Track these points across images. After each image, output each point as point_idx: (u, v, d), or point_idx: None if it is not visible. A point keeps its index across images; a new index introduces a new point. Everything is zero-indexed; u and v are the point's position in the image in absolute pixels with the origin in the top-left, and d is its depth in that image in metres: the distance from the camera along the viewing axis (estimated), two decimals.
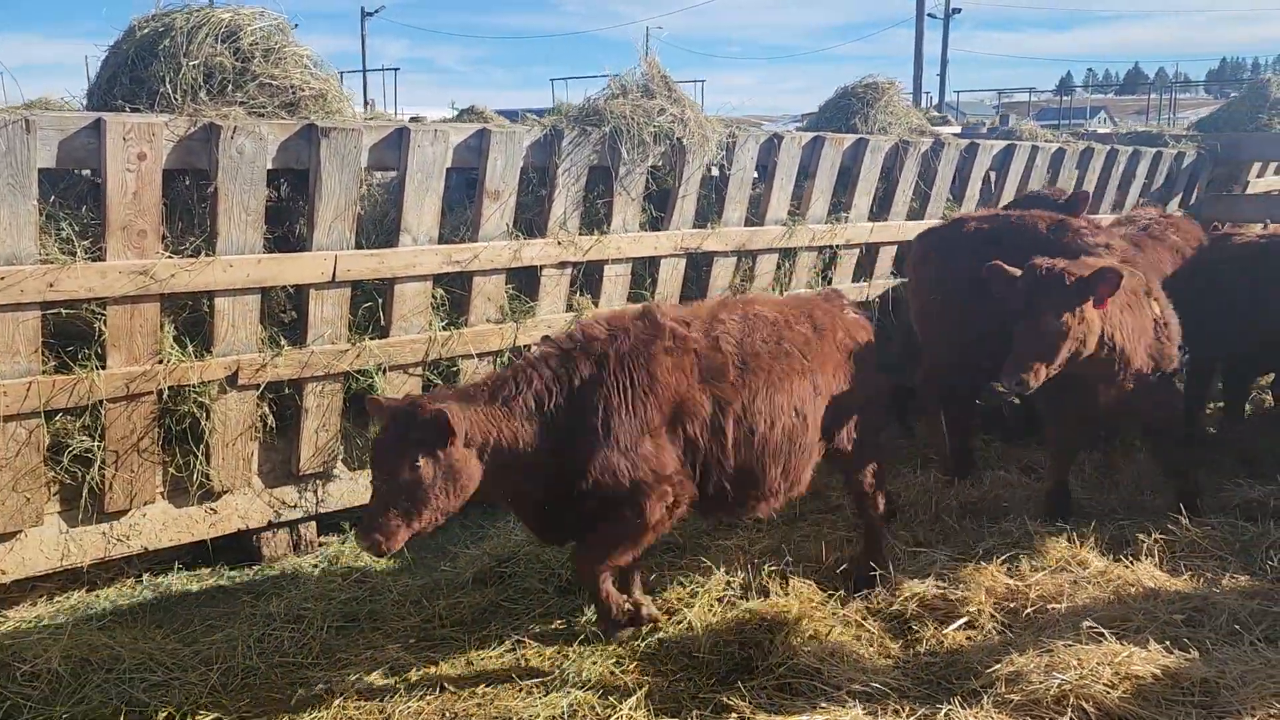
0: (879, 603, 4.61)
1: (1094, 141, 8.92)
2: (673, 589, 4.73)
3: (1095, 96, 73.02)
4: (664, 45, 74.86)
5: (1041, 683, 3.63)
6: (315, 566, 5.22)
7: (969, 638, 4.26)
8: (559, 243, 5.62)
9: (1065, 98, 56.53)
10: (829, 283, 7.13)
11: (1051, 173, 8.36)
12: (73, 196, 4.36)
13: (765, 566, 4.89)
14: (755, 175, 6.56)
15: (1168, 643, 3.92)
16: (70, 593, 4.80)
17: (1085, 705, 3.52)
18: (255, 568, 5.19)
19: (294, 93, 4.67)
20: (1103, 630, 4.01)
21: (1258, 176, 10.29)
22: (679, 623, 4.50)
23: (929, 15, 40.58)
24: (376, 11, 52.09)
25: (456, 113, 11.21)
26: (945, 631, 4.25)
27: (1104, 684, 3.58)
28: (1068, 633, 4.05)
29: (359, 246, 4.96)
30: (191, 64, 4.47)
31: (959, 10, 46.06)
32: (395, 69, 48.26)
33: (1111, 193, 8.97)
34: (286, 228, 5.10)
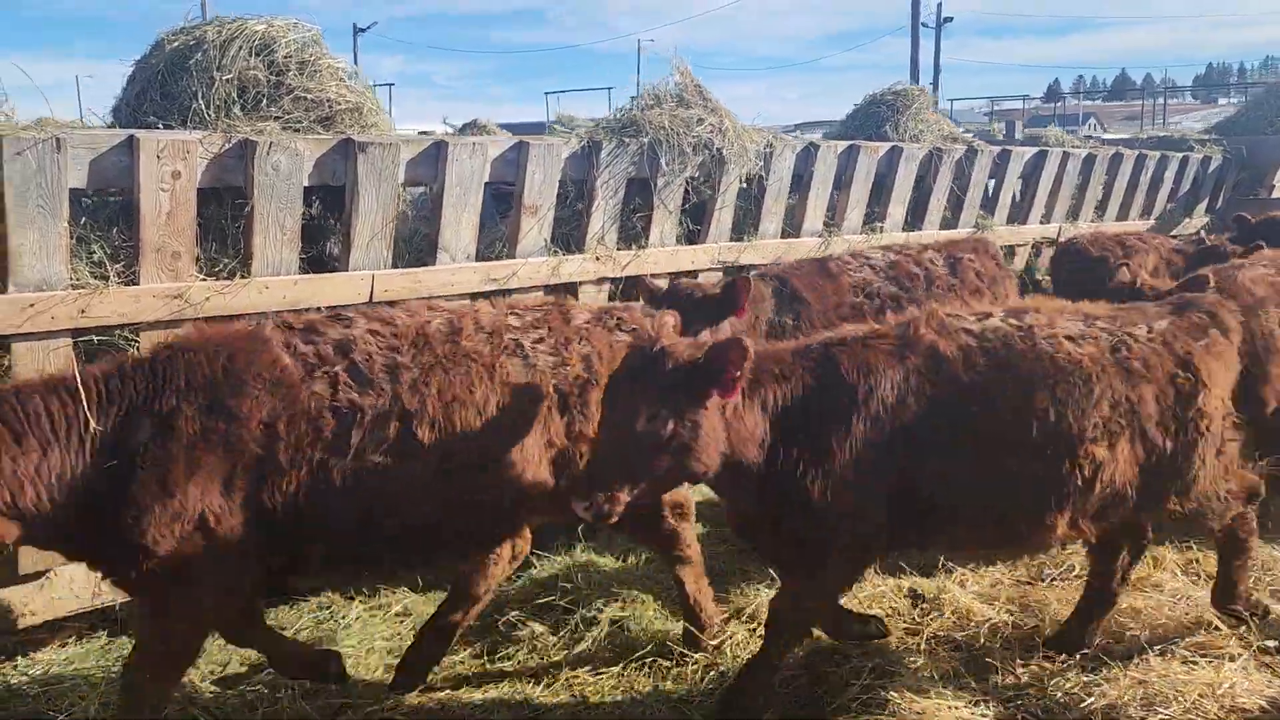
0: (946, 628, 4.42)
1: (1122, 147, 8.78)
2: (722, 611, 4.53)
3: (1086, 103, 73.22)
4: (657, 58, 74.78)
5: (1142, 718, 3.44)
6: (352, 599, 5.01)
7: (1048, 668, 4.07)
8: (597, 258, 5.43)
9: (1055, 104, 56.68)
10: None
11: (1082, 178, 8.22)
12: (103, 218, 4.15)
13: None
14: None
15: (1268, 672, 3.73)
16: (99, 632, 4.57)
17: None
18: (290, 601, 4.97)
19: (330, 106, 4.48)
20: (1194, 658, 3.83)
21: None
22: (736, 656, 4.31)
23: (921, 24, 40.75)
24: (369, 28, 52.09)
25: (454, 128, 10.98)
26: (1031, 664, 4.05)
27: (1212, 719, 3.39)
28: (1157, 660, 3.87)
29: (394, 265, 4.77)
30: (225, 78, 4.28)
31: (950, 19, 46.19)
32: (390, 84, 48.07)
33: (1140, 198, 8.84)
34: (319, 247, 4.91)
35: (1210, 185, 9.52)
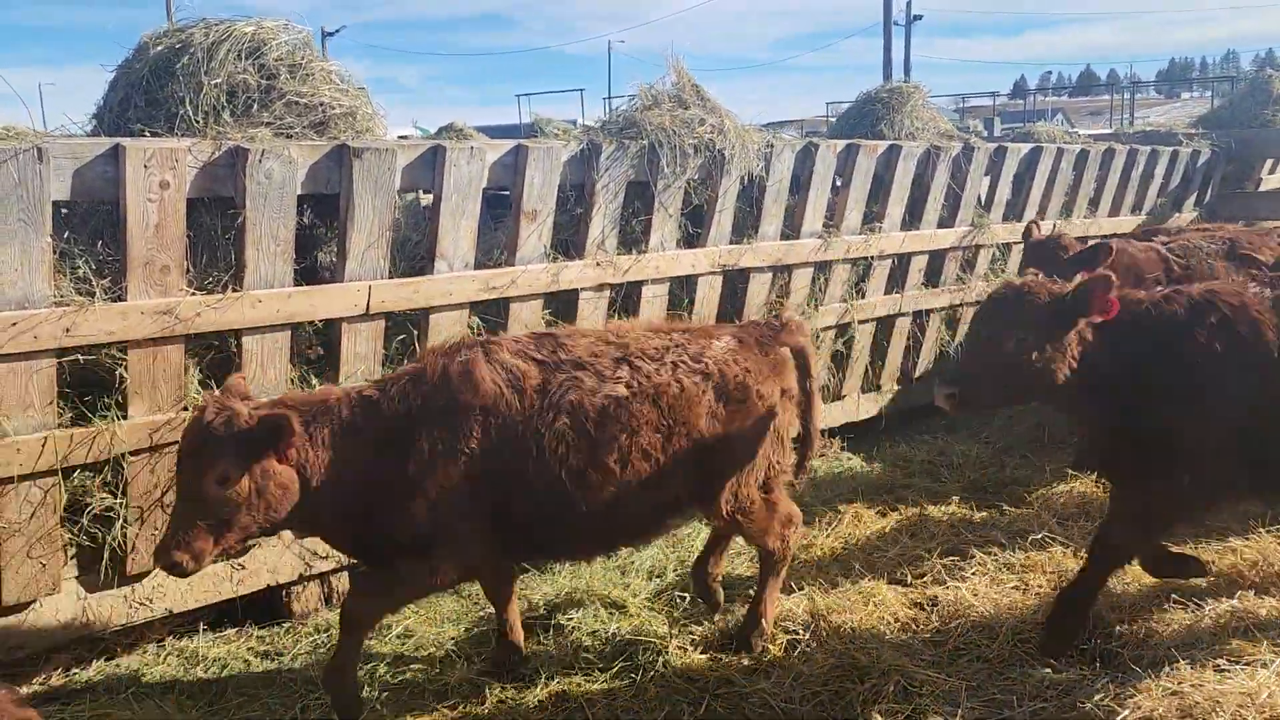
0: (968, 639, 4.32)
1: (1113, 142, 8.74)
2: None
3: (1053, 99, 73.68)
4: (627, 60, 74.82)
5: None
6: None
7: (1075, 678, 3.97)
8: (598, 264, 5.28)
9: (1020, 101, 57.00)
10: (862, 296, 6.87)
11: (1075, 174, 8.16)
12: (87, 231, 3.96)
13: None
14: None
15: None
16: (87, 663, 4.37)
17: None
18: (285, 625, 4.79)
19: (323, 111, 4.30)
20: (1227, 666, 3.74)
21: (1269, 173, 10.18)
22: (752, 670, 4.19)
23: (893, 23, 40.86)
24: (337, 32, 51.44)
25: (426, 132, 10.77)
26: (1057, 674, 3.94)
27: None
28: (1188, 669, 3.77)
29: (391, 275, 4.60)
30: (213, 83, 4.08)
31: (920, 17, 46.32)
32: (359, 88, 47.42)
33: (1131, 193, 8.79)
34: (311, 257, 4.73)
35: (1199, 179, 9.50)
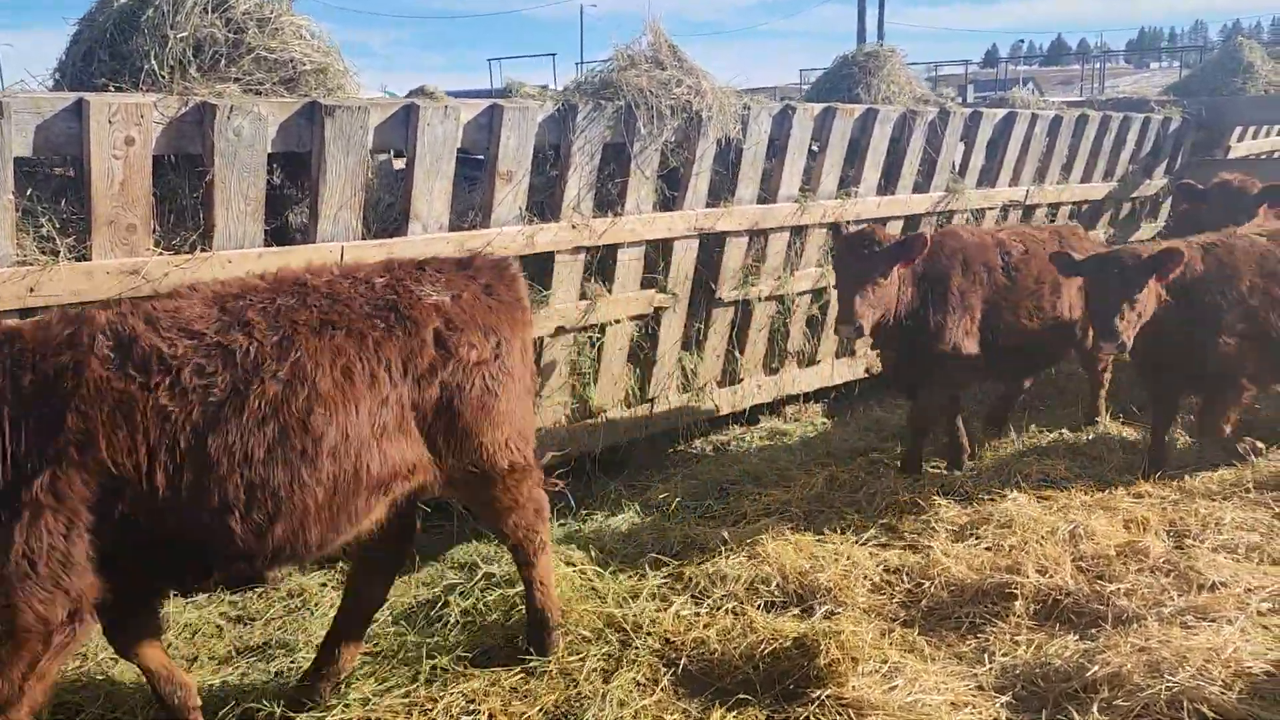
0: (934, 598, 4.38)
1: (1088, 109, 8.76)
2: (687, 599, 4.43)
3: (1023, 68, 73.70)
4: (600, 23, 74.02)
5: (1150, 687, 3.40)
6: (324, 585, 4.81)
7: (1045, 637, 4.03)
8: (573, 226, 5.24)
9: (992, 69, 56.98)
10: None
11: (1049, 140, 8.18)
12: (49, 190, 3.85)
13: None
14: None
15: (1268, 634, 3.73)
16: None
17: (1203, 710, 3.29)
18: (258, 590, 4.75)
19: (293, 67, 4.20)
20: (1193, 622, 3.82)
21: (1238, 141, 10.26)
22: (726, 632, 4.21)
23: None
24: None
25: (396, 96, 10.50)
26: (1027, 633, 4.01)
27: (1219, 686, 3.36)
28: (1156, 626, 3.84)
29: (364, 236, 4.53)
30: (179, 36, 3.97)
31: None
32: None
33: (1103, 160, 8.83)
34: (281, 218, 4.65)
35: (1170, 147, 9.55)
